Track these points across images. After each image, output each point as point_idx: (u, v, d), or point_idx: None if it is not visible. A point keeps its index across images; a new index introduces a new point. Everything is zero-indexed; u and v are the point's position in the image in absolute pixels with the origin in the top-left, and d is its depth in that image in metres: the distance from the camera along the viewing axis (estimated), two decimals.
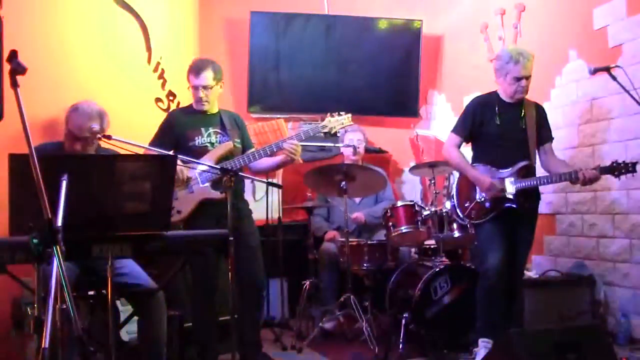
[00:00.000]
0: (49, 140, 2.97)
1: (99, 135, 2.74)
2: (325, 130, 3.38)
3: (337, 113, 3.40)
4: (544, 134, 3.42)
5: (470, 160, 3.46)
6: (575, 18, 4.13)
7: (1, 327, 2.93)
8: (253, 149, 3.35)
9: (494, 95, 3.43)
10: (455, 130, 3.47)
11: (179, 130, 3.25)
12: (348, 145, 4.47)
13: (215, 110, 3.35)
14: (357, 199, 4.57)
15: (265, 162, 3.33)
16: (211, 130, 3.27)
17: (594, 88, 3.94)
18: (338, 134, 3.55)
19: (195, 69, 3.24)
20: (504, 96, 3.38)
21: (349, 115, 3.42)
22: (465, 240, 3.87)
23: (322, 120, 3.45)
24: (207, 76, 3.23)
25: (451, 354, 3.50)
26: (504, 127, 3.34)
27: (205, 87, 3.23)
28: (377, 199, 4.58)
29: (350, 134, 4.56)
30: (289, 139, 3.27)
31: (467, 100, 3.63)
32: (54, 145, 2.88)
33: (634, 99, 2.96)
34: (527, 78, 3.28)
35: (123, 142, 2.61)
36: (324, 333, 3.94)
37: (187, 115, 3.32)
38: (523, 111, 3.36)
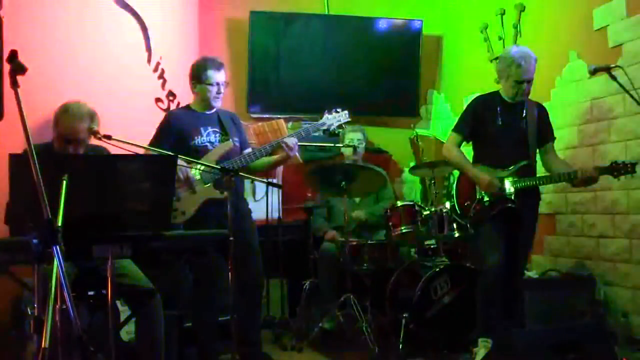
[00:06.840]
0: (48, 140, 2.96)
1: (99, 136, 2.72)
2: (324, 127, 3.39)
3: (334, 110, 3.41)
4: (546, 134, 3.42)
5: (470, 160, 3.46)
6: (575, 18, 4.13)
7: (1, 327, 2.93)
8: (250, 149, 3.36)
9: (496, 95, 3.43)
10: (455, 129, 3.47)
11: (178, 130, 3.24)
12: (348, 145, 4.47)
13: (213, 109, 3.35)
14: (357, 198, 4.57)
15: (263, 160, 3.32)
16: (210, 129, 3.28)
17: (594, 88, 3.94)
18: (337, 132, 3.54)
19: (216, 65, 3.28)
20: (505, 96, 3.38)
21: (347, 111, 3.44)
22: (465, 240, 3.87)
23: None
24: (225, 72, 3.30)
25: (451, 354, 3.51)
26: (505, 127, 3.34)
27: (224, 83, 3.29)
28: (377, 198, 4.58)
29: (350, 133, 4.55)
30: (288, 137, 3.28)
31: (467, 100, 3.64)
32: (42, 147, 2.84)
33: (634, 99, 2.96)
34: (529, 81, 3.28)
35: (123, 142, 2.60)
36: (324, 333, 3.93)
37: (185, 115, 3.32)
38: (525, 111, 3.36)
